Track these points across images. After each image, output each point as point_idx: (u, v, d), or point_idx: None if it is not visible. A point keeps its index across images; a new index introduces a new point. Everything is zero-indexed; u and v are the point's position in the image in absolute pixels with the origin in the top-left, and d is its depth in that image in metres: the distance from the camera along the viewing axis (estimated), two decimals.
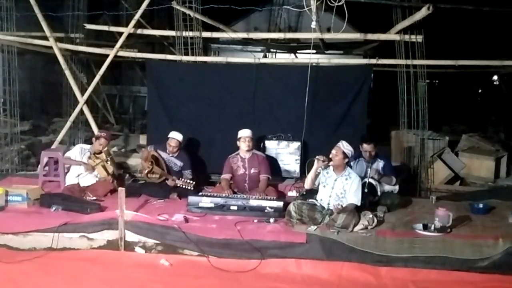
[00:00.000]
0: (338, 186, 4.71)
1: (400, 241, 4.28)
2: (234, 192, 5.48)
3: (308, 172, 4.82)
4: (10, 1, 7.08)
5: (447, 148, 7.13)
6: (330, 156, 4.71)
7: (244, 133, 5.63)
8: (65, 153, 5.83)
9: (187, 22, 6.92)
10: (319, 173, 4.80)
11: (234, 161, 5.65)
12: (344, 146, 4.71)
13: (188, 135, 6.23)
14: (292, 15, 11.16)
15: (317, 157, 4.72)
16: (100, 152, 5.69)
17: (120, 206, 4.37)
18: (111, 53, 6.98)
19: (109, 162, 5.66)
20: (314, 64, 6.20)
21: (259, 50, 10.80)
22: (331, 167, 4.77)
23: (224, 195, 5.22)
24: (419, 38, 6.52)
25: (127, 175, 6.39)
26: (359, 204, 4.62)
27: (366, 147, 5.36)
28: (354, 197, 4.62)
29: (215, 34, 7.86)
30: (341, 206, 4.58)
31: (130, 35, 7.31)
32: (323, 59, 7.67)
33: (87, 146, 5.84)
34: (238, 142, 5.64)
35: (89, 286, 3.77)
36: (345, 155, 4.69)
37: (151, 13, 9.05)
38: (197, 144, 6.51)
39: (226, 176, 5.64)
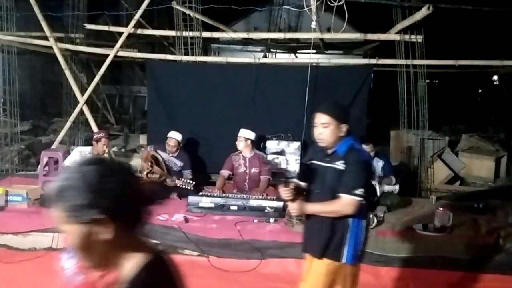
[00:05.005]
0: None
1: (400, 241, 4.28)
2: (223, 191, 5.46)
3: None
4: (10, 1, 7.08)
5: (447, 148, 7.14)
6: None
7: (239, 132, 5.62)
8: (64, 157, 5.81)
9: (187, 22, 6.91)
10: None
11: (236, 159, 5.65)
12: None
13: (188, 135, 6.23)
14: (292, 15, 11.15)
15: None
16: (104, 153, 5.69)
17: None
18: (111, 53, 6.98)
19: None
20: (314, 64, 6.20)
21: (259, 50, 10.79)
22: None
23: (224, 195, 5.22)
24: (419, 38, 6.52)
25: None
26: None
27: (364, 147, 5.35)
28: None
29: (215, 34, 7.86)
30: None
31: (130, 35, 7.31)
32: (323, 59, 7.66)
33: (87, 149, 5.79)
34: None
35: None
36: None
37: (151, 13, 9.05)
38: (197, 144, 6.51)
39: (224, 172, 5.63)
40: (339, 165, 2.59)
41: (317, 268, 2.70)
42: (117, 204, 1.12)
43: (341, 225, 2.63)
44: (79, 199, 1.09)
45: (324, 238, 2.65)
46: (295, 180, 2.91)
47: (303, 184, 2.83)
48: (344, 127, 2.64)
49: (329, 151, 2.68)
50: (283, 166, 2.85)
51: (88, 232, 1.11)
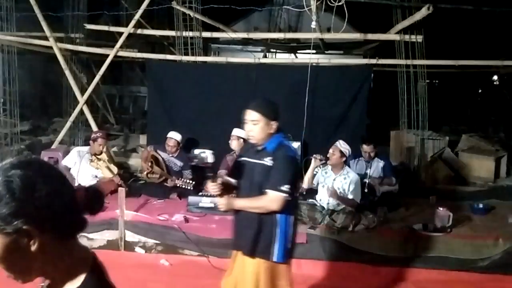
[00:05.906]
0: (337, 185, 4.70)
1: (400, 241, 4.28)
2: None
3: (305, 171, 4.81)
4: (10, 1, 7.08)
5: (447, 148, 7.13)
6: (328, 155, 4.71)
7: (232, 131, 5.65)
8: (64, 157, 5.81)
9: (187, 22, 6.92)
10: (317, 172, 4.80)
11: (231, 159, 5.66)
12: (341, 145, 4.71)
13: (188, 135, 6.23)
14: (292, 15, 11.16)
15: (314, 155, 4.70)
16: (101, 153, 5.69)
17: (120, 206, 4.37)
18: (111, 53, 6.98)
19: (111, 163, 5.67)
20: (314, 64, 6.21)
21: (259, 50, 10.79)
22: (329, 167, 4.77)
23: None
24: (419, 38, 6.52)
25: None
26: (359, 201, 4.62)
27: (365, 148, 5.35)
28: (354, 195, 4.62)
29: (215, 34, 7.87)
30: (338, 192, 4.57)
31: (130, 35, 7.32)
32: (323, 59, 7.67)
33: (85, 149, 5.80)
34: None
35: None
36: (342, 154, 4.68)
37: (151, 13, 9.05)
38: (197, 144, 6.51)
39: (222, 172, 5.64)
40: (267, 161, 2.60)
41: (252, 268, 2.67)
42: (44, 214, 1.01)
43: (269, 221, 2.63)
44: (1, 208, 0.97)
45: (253, 235, 2.63)
46: (224, 176, 2.92)
47: (233, 180, 2.83)
48: (274, 124, 2.64)
49: (259, 148, 2.68)
50: (209, 160, 2.89)
51: (12, 243, 0.99)
